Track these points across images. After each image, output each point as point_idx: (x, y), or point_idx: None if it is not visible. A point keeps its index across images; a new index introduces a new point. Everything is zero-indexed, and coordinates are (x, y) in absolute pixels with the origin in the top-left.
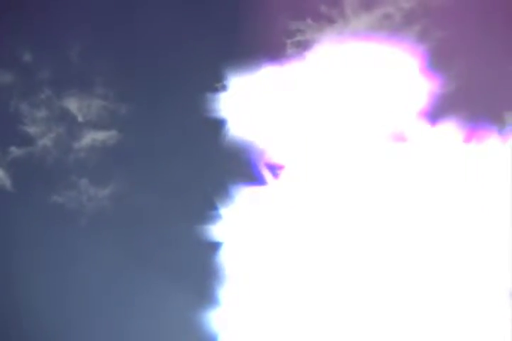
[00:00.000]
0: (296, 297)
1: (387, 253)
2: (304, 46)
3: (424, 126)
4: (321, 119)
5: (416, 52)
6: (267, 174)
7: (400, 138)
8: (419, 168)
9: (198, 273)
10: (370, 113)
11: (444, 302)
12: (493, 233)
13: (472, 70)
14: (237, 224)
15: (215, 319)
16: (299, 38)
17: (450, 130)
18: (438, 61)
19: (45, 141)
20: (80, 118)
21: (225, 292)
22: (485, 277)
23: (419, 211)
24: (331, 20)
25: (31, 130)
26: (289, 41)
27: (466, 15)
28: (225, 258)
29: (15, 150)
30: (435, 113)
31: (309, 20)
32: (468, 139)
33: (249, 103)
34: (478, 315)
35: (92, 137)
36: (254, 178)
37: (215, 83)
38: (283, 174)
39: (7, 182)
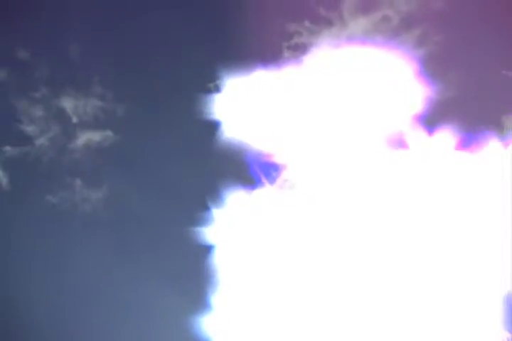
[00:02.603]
0: (289, 300)
1: (386, 257)
2: (300, 49)
3: (421, 131)
4: (317, 122)
5: (413, 57)
6: (262, 176)
7: (396, 143)
8: (416, 173)
9: (191, 276)
10: (366, 117)
11: (443, 303)
12: (492, 237)
13: (470, 75)
14: (232, 227)
15: (207, 323)
16: (295, 40)
17: (447, 136)
18: (435, 66)
19: (42, 141)
20: (75, 119)
21: (218, 296)
22: (484, 278)
23: (417, 215)
24: (328, 23)
25: (27, 129)
26: (285, 44)
27: (465, 20)
28: (218, 261)
29: (11, 149)
30: (432, 118)
31: (307, 23)
32: (465, 145)
33: (245, 105)
34: (476, 315)
35: (87, 137)
36: (249, 180)
37: (210, 84)
38: (278, 176)
39: (3, 181)
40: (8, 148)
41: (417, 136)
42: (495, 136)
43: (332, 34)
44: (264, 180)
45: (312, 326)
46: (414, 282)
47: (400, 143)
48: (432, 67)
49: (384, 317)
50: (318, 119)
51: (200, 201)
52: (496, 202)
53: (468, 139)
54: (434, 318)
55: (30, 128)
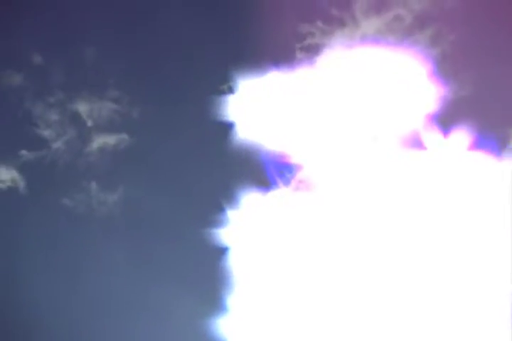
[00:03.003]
0: (304, 302)
1: (395, 258)
2: (313, 50)
3: (436, 131)
4: (331, 123)
5: (427, 57)
6: (276, 177)
7: (411, 143)
8: (431, 173)
9: (206, 278)
10: (381, 118)
11: (445, 303)
12: (497, 237)
13: (485, 75)
14: (247, 229)
15: (223, 325)
16: (308, 41)
17: (461, 136)
18: (450, 65)
19: (58, 145)
20: (90, 122)
21: (233, 298)
22: (486, 278)
23: (425, 215)
24: (341, 23)
25: (43, 133)
26: (298, 45)
27: (479, 18)
28: (234, 263)
29: (27, 153)
30: (446, 118)
31: (319, 23)
32: (480, 146)
33: (259, 106)
34: (478, 316)
35: (103, 140)
36: (264, 182)
37: (223, 85)
38: (293, 177)
39: (20, 185)
40: (24, 152)
41: (431, 136)
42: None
43: (345, 34)
44: (279, 181)
45: (327, 327)
46: (430, 281)
47: (415, 143)
48: (446, 67)
49: (397, 316)
50: (333, 120)
51: (215, 203)
52: (504, 203)
53: (483, 139)
54: (440, 318)
55: (46, 132)
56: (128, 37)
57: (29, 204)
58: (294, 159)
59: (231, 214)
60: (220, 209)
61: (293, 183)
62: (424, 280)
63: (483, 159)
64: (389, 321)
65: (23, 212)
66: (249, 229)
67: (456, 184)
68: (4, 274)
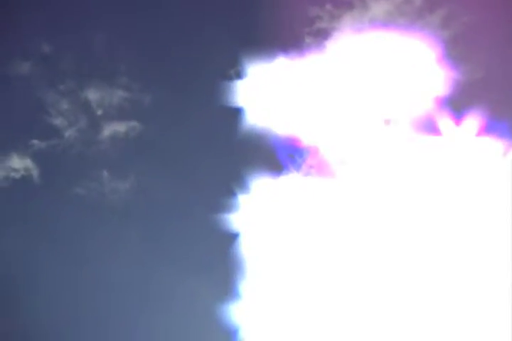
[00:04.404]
0: (316, 289)
1: (406, 243)
2: (322, 34)
3: (447, 115)
4: (341, 108)
5: (438, 39)
6: (287, 162)
7: (423, 127)
8: (441, 157)
9: (218, 263)
10: (391, 102)
11: (447, 303)
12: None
13: (497, 58)
14: (258, 214)
15: (236, 311)
16: (317, 25)
17: (473, 120)
18: (461, 48)
19: (69, 133)
20: (101, 110)
21: (246, 284)
22: (487, 277)
23: (436, 201)
24: (350, 6)
25: (54, 122)
26: (307, 29)
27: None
28: (247, 250)
29: (39, 143)
30: (459, 101)
31: (328, 6)
32: (490, 130)
33: (269, 91)
34: (479, 315)
35: (113, 128)
36: (274, 167)
37: (232, 71)
38: (304, 162)
39: (34, 173)
40: (36, 141)
41: (443, 120)
42: None
43: (354, 17)
44: (289, 166)
45: (339, 316)
46: (436, 276)
47: (426, 126)
48: (458, 50)
49: (402, 315)
50: (343, 105)
51: (226, 188)
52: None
53: (495, 123)
54: (439, 317)
55: (57, 121)
56: (137, 24)
57: (43, 193)
58: (305, 144)
59: (242, 199)
60: (231, 195)
61: (304, 168)
62: (432, 267)
63: (495, 143)
64: (390, 315)
65: (36, 200)
66: (260, 214)
67: (468, 168)
68: (18, 260)
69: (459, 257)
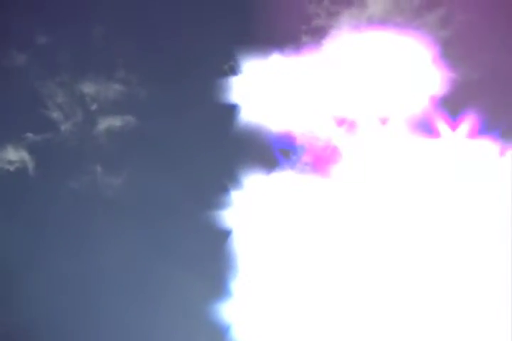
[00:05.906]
0: (309, 286)
1: (402, 240)
2: (320, 31)
3: (442, 115)
4: (337, 106)
5: (436, 39)
6: (281, 159)
7: (418, 126)
8: (437, 156)
9: (210, 260)
10: (388, 101)
11: (446, 303)
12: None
13: (495, 59)
14: (253, 212)
15: (228, 309)
16: (315, 22)
17: (470, 120)
18: (459, 48)
19: (65, 126)
20: (96, 104)
21: (238, 281)
22: (487, 277)
23: (432, 199)
24: (348, 3)
25: (50, 115)
26: (304, 27)
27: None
28: (237, 245)
29: (34, 136)
30: (454, 102)
31: (326, 3)
32: (486, 130)
33: (264, 88)
34: (479, 315)
35: (109, 123)
36: (268, 164)
37: (228, 67)
38: (298, 160)
39: (30, 166)
40: (31, 134)
41: (439, 120)
42: None
43: (352, 15)
44: (284, 163)
45: (332, 312)
46: (438, 272)
47: (422, 126)
48: (456, 49)
49: (401, 315)
50: (340, 103)
51: (219, 185)
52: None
53: (491, 123)
54: (438, 317)
55: (53, 114)
56: (134, 18)
57: (37, 185)
58: (300, 141)
59: (236, 195)
60: (225, 191)
61: (298, 165)
62: (436, 260)
63: (491, 144)
64: (389, 312)
65: (31, 192)
66: (253, 210)
67: (463, 168)
68: (12, 253)
69: (457, 258)
